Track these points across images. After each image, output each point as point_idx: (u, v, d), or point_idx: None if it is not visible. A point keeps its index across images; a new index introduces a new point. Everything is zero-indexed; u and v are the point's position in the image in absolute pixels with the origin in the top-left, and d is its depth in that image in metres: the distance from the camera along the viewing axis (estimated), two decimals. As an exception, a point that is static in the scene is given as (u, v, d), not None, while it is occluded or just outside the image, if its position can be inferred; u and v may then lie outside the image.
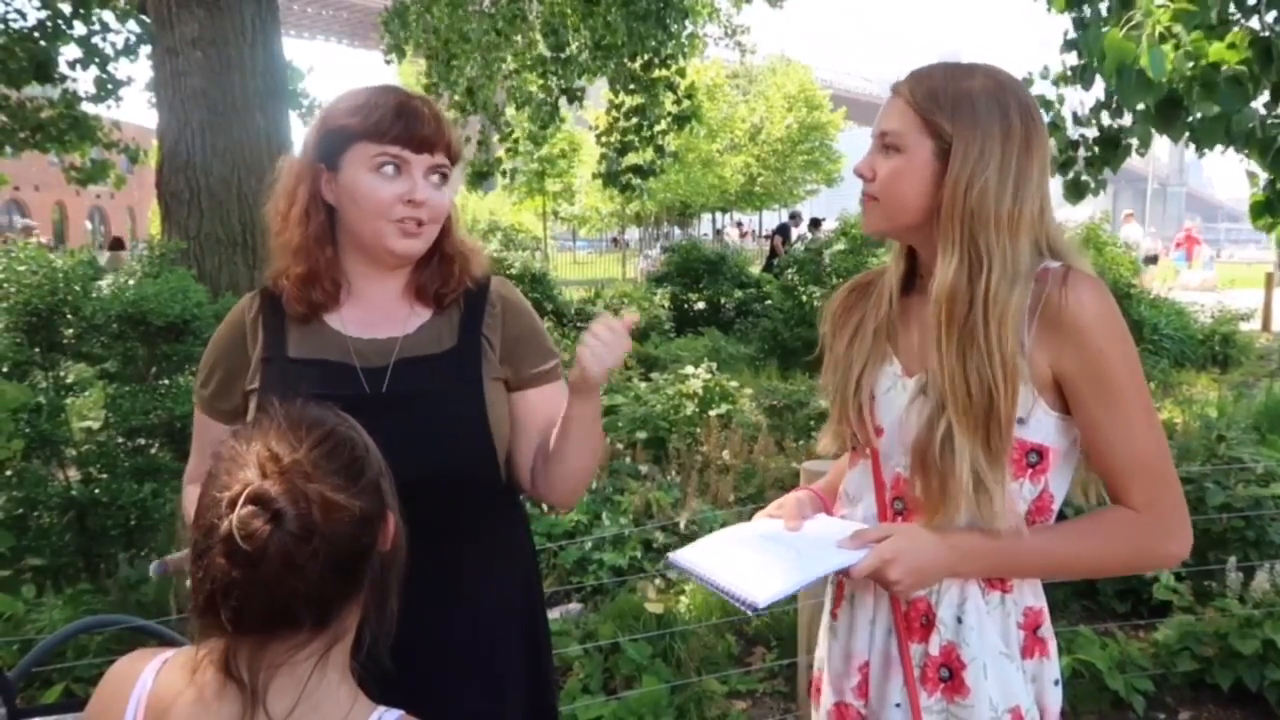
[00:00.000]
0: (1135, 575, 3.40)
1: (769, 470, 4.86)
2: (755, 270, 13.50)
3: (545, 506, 4.02)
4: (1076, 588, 3.64)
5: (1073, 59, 4.19)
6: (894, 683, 1.27)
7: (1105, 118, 4.27)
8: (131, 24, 7.39)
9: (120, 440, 3.54)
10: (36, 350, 3.45)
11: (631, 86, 9.64)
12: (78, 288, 3.43)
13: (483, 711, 1.35)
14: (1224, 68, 3.18)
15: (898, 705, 1.26)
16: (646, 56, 9.47)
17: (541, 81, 9.91)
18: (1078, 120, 4.37)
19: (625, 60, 9.45)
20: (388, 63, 9.84)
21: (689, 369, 6.02)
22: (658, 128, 9.93)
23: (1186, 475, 3.48)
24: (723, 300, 11.27)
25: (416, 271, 1.40)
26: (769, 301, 9.87)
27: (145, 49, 7.04)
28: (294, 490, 0.87)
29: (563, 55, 9.57)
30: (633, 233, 36.28)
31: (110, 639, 2.78)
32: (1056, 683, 1.27)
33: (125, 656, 1.01)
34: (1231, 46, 3.17)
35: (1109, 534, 1.21)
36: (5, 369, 3.38)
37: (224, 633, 0.90)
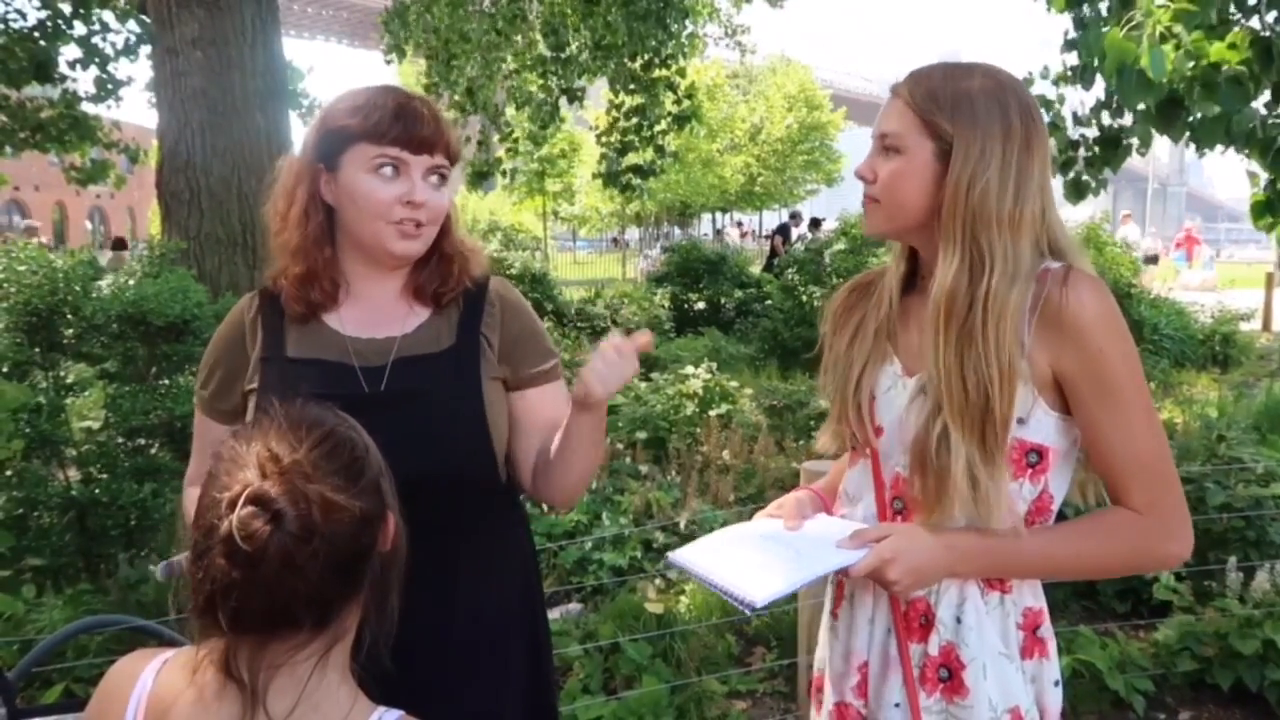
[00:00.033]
0: (1135, 575, 3.40)
1: (769, 470, 4.86)
2: (755, 270, 13.50)
3: (545, 506, 4.02)
4: (1076, 588, 3.64)
5: (1073, 59, 4.20)
6: (893, 682, 1.27)
7: (1105, 118, 4.27)
8: (131, 24, 7.40)
9: (120, 440, 3.54)
10: (36, 350, 3.46)
11: (631, 86, 9.64)
12: (78, 288, 3.43)
13: (483, 711, 1.35)
14: (1224, 68, 3.18)
15: (896, 705, 1.26)
16: (646, 56, 9.47)
17: (541, 81, 9.91)
18: (1078, 120, 4.38)
19: (625, 60, 9.45)
20: (388, 63, 9.84)
21: (689, 369, 6.02)
22: (658, 128, 9.93)
23: (1186, 475, 3.48)
24: (723, 300, 11.27)
25: (415, 271, 1.40)
26: (769, 301, 9.87)
27: (145, 49, 7.05)
28: (294, 491, 0.87)
29: (563, 55, 9.57)
30: (633, 233, 36.28)
31: (110, 639, 2.78)
32: (1056, 684, 1.27)
33: (125, 657, 1.01)
34: (1232, 47, 3.17)
35: (1109, 535, 1.21)
36: (5, 369, 3.38)
37: (224, 633, 0.90)
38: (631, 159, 10.15)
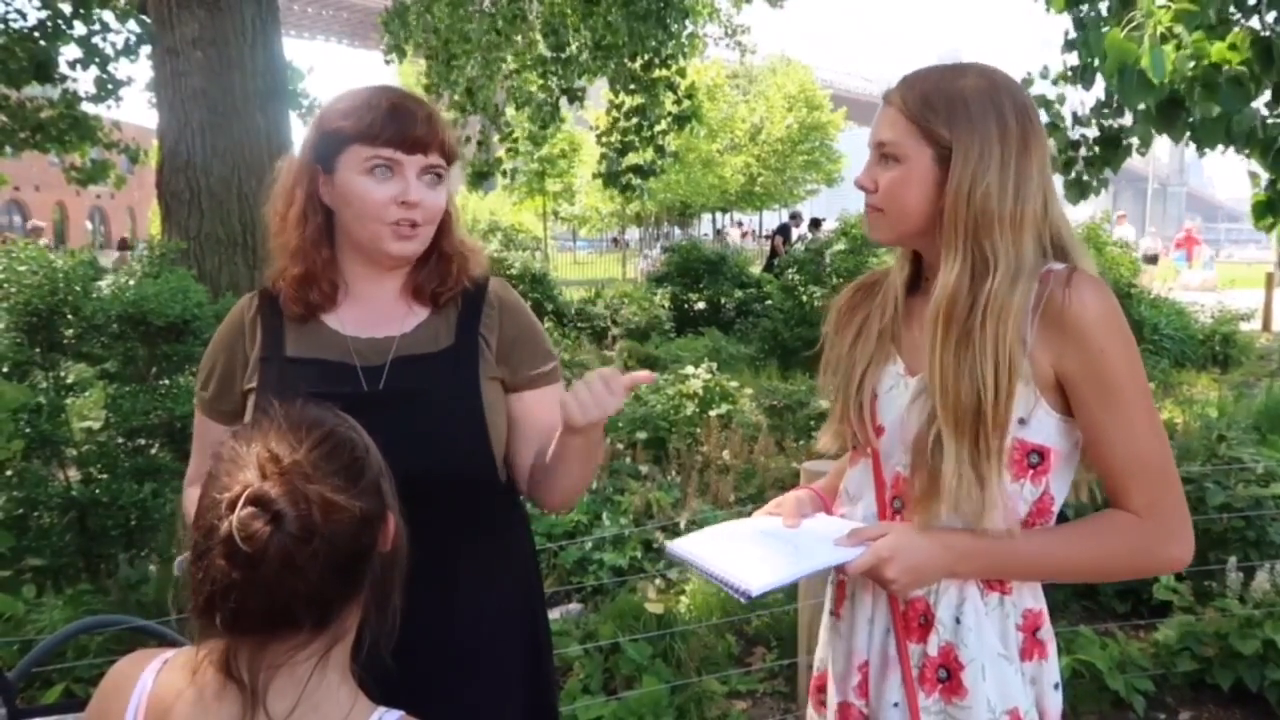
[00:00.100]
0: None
1: (769, 470, 4.86)
2: (755, 270, 13.50)
3: (545, 507, 4.02)
4: (1076, 588, 3.64)
5: (1073, 59, 4.20)
6: (893, 682, 1.27)
7: (1106, 118, 4.27)
8: (131, 24, 7.39)
9: (120, 440, 3.54)
10: (37, 350, 3.45)
11: (632, 86, 9.64)
12: (78, 288, 3.43)
13: (483, 711, 1.35)
14: (1225, 68, 3.18)
15: (895, 705, 1.26)
16: (647, 56, 9.47)
17: (542, 81, 9.91)
18: (1078, 120, 4.38)
19: (625, 60, 9.45)
20: (387, 63, 9.84)
21: (689, 369, 6.02)
22: (658, 128, 9.93)
23: (1186, 475, 3.48)
24: (723, 300, 11.27)
25: (414, 271, 1.40)
26: (769, 301, 9.87)
27: (145, 49, 7.04)
28: (294, 491, 0.87)
29: (563, 55, 9.57)
30: (633, 233, 36.27)
31: (110, 639, 2.78)
32: (1056, 686, 1.27)
33: (126, 657, 1.01)
34: (1233, 47, 3.17)
35: (1109, 537, 1.21)
36: (5, 369, 3.38)
37: (224, 633, 0.90)
38: (631, 159, 10.15)
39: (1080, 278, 1.18)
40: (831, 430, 1.40)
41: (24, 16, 6.99)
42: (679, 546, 1.32)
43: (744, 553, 1.26)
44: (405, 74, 18.70)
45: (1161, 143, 3.89)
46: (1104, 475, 1.22)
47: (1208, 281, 19.30)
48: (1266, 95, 3.43)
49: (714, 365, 6.26)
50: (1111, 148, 4.23)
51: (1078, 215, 10.12)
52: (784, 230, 15.99)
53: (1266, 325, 12.97)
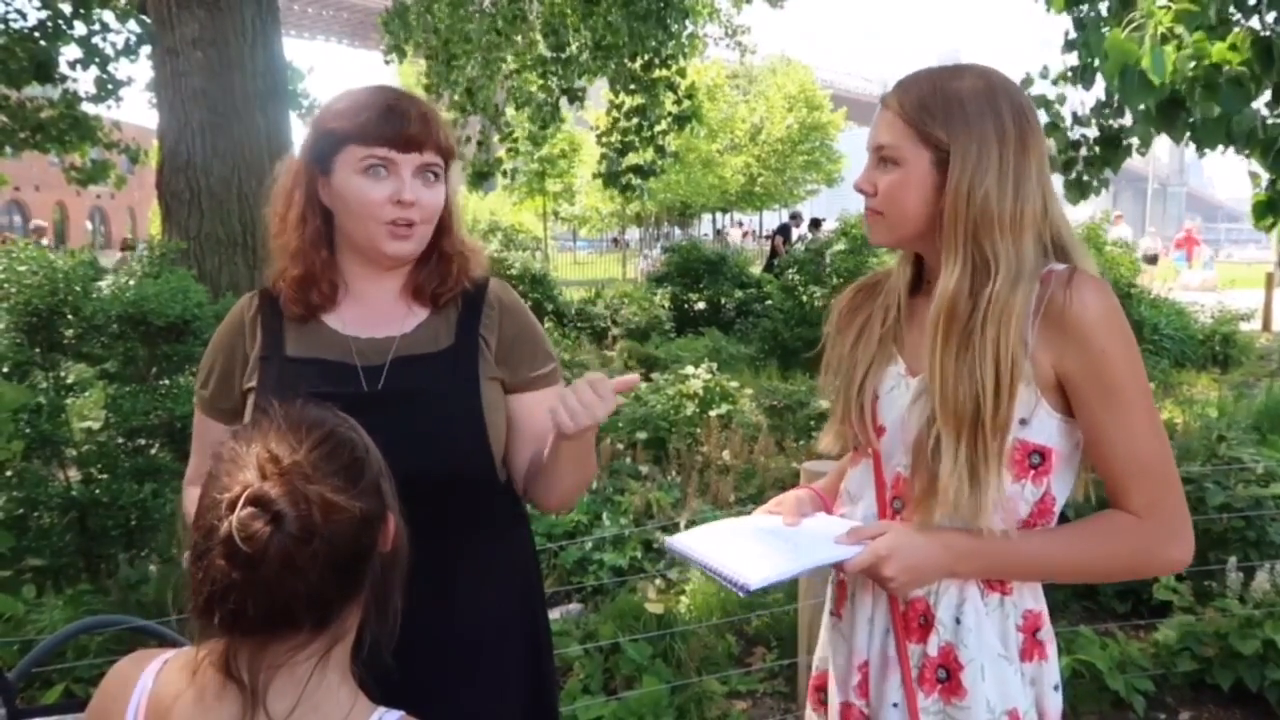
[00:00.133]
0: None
1: (769, 470, 4.86)
2: (755, 270, 13.50)
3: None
4: (1077, 588, 3.64)
5: (1073, 59, 4.20)
6: (893, 682, 1.27)
7: (1106, 117, 4.27)
8: (132, 24, 7.40)
9: (120, 440, 3.54)
10: (37, 350, 3.45)
11: (632, 87, 9.64)
12: (78, 288, 3.43)
13: (483, 711, 1.35)
14: (1225, 68, 3.18)
15: (895, 705, 1.26)
16: (647, 57, 9.47)
17: (542, 82, 9.91)
18: (1078, 120, 4.38)
19: (625, 60, 9.45)
20: (387, 63, 9.84)
21: (689, 369, 6.02)
22: (658, 128, 9.93)
23: (1186, 475, 3.48)
24: (723, 300, 11.27)
25: (415, 271, 1.40)
26: (769, 302, 9.87)
27: (145, 49, 7.04)
28: (294, 492, 0.87)
29: (563, 55, 9.57)
30: (633, 233, 36.26)
31: (110, 639, 2.78)
32: (1056, 688, 1.27)
33: (126, 657, 1.01)
34: (1233, 47, 3.17)
35: (1110, 538, 1.21)
36: (6, 369, 3.38)
37: (224, 633, 0.90)
38: (632, 159, 10.15)
39: (1081, 278, 1.18)
40: (833, 431, 1.40)
41: (24, 16, 6.99)
42: (678, 541, 1.32)
43: (743, 548, 1.27)
44: (405, 74, 18.69)
45: (1161, 143, 3.89)
46: (1104, 475, 1.22)
47: (1208, 281, 19.31)
48: (1266, 95, 3.43)
49: (714, 365, 6.26)
50: (1111, 148, 4.23)
51: (1077, 215, 10.11)
52: (784, 230, 15.99)
53: (1266, 325, 12.97)
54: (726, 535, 1.34)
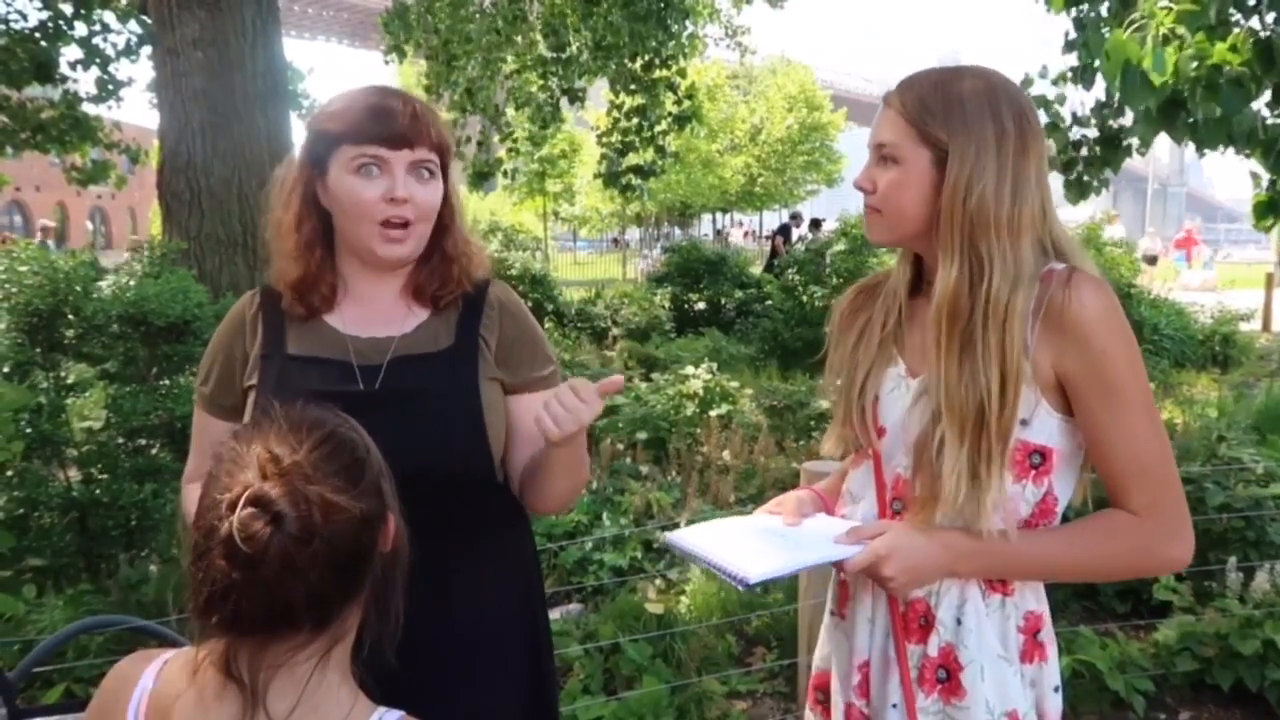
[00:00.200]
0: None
1: (769, 471, 4.86)
2: (755, 271, 13.50)
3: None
4: (1076, 588, 3.64)
5: (1073, 59, 4.20)
6: (893, 682, 1.27)
7: (1105, 118, 4.27)
8: (132, 24, 7.41)
9: (121, 441, 3.54)
10: (37, 350, 3.46)
11: (632, 87, 9.64)
12: (79, 288, 3.43)
13: (483, 711, 1.35)
14: (1225, 69, 3.19)
15: (895, 706, 1.26)
16: (647, 57, 9.47)
17: (542, 82, 9.91)
18: (1077, 120, 4.38)
19: (626, 60, 9.45)
20: (387, 63, 9.85)
21: (689, 369, 6.02)
22: (658, 128, 9.93)
23: (1186, 475, 3.49)
24: (723, 300, 11.28)
25: (415, 272, 1.40)
26: (769, 302, 9.87)
27: (146, 50, 7.05)
28: (294, 492, 0.87)
29: (563, 55, 9.57)
30: (633, 233, 36.26)
31: (111, 639, 2.78)
32: (1057, 689, 1.27)
33: (126, 658, 1.01)
34: (1233, 48, 3.17)
35: (1110, 537, 1.21)
36: (6, 369, 3.38)
37: (224, 634, 0.90)
38: (632, 159, 10.16)
39: (1080, 278, 1.18)
40: (835, 434, 1.40)
41: (25, 17, 7.00)
42: (678, 537, 1.32)
43: (743, 544, 1.27)
44: (405, 74, 18.70)
45: (1161, 143, 3.90)
46: (1104, 475, 1.22)
47: (1207, 282, 19.31)
48: (1266, 96, 3.43)
49: (714, 365, 6.26)
50: (1111, 148, 4.24)
51: (1077, 215, 10.11)
52: (784, 230, 15.99)
53: (1266, 325, 12.97)
54: (727, 532, 1.34)
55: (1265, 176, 3.60)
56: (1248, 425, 5.00)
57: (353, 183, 1.30)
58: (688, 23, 10.07)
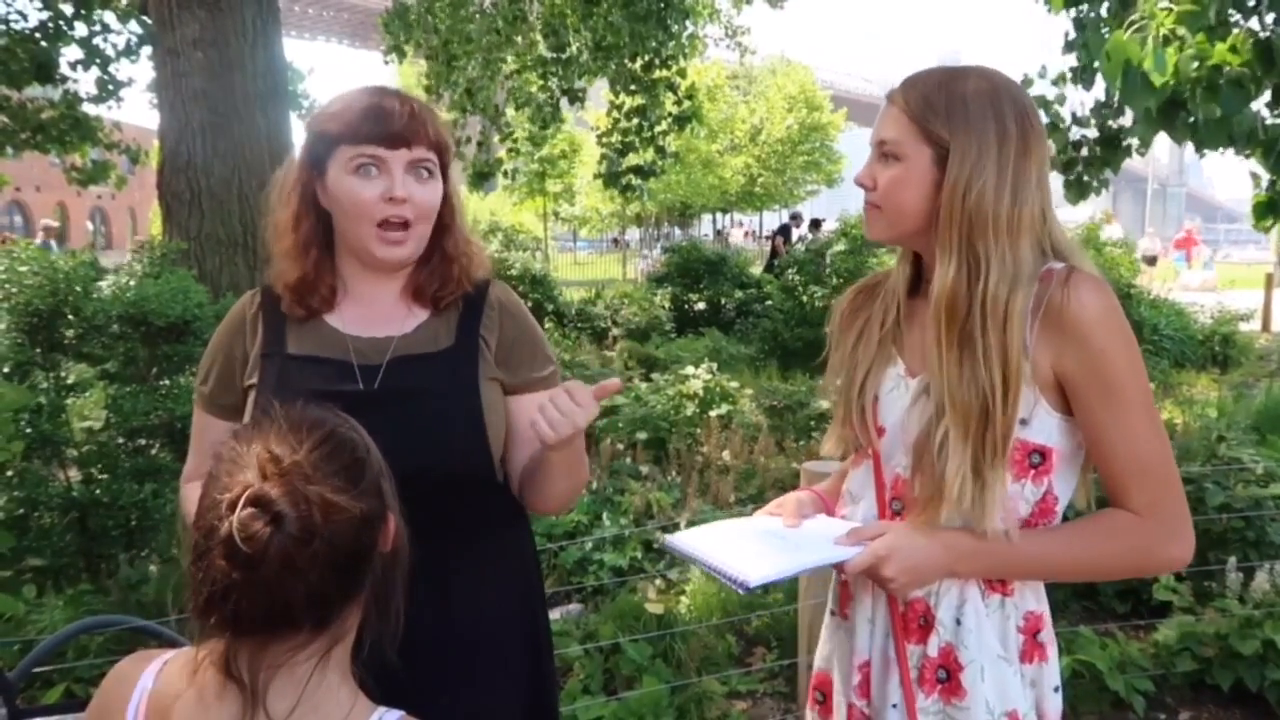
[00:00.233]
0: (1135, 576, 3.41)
1: (769, 471, 4.86)
2: (756, 271, 13.50)
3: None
4: (1076, 588, 3.64)
5: (1074, 60, 4.21)
6: (893, 682, 1.27)
7: (1105, 118, 4.28)
8: (133, 25, 7.41)
9: (121, 441, 3.54)
10: (37, 351, 3.46)
11: (632, 87, 9.64)
12: (79, 288, 3.43)
13: (483, 711, 1.36)
14: (1225, 69, 3.19)
15: (895, 706, 1.26)
16: (647, 57, 9.47)
17: (542, 82, 9.91)
18: (1077, 120, 4.38)
19: (626, 61, 9.45)
20: (386, 63, 9.85)
21: (689, 369, 6.02)
22: (658, 128, 9.94)
23: (1186, 475, 3.49)
24: (723, 301, 11.28)
25: (415, 273, 1.40)
26: (769, 302, 9.88)
27: (146, 50, 7.06)
28: (294, 492, 0.87)
29: (563, 56, 9.58)
30: (633, 233, 36.25)
31: (111, 639, 2.78)
32: (1057, 689, 1.27)
33: (126, 658, 1.01)
34: (1233, 49, 3.18)
35: (1110, 537, 1.20)
36: (6, 369, 3.38)
37: (224, 634, 0.90)
38: (632, 159, 10.16)
39: (1079, 277, 1.18)
40: (835, 434, 1.40)
41: (25, 17, 7.01)
42: (677, 540, 1.32)
43: (743, 547, 1.27)
44: (405, 74, 18.70)
45: (1161, 143, 3.90)
46: (1104, 475, 1.22)
47: (1207, 282, 19.31)
48: (1266, 96, 3.43)
49: (714, 366, 6.26)
50: (1111, 148, 4.24)
51: (1076, 216, 10.13)
52: (785, 231, 16.00)
53: (1266, 326, 12.97)
54: (726, 534, 1.34)
55: (1265, 176, 3.60)
56: (1248, 425, 5.00)
57: (351, 183, 1.30)
58: (688, 23, 10.07)
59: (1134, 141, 4.13)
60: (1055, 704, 1.27)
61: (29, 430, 3.26)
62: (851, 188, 1.38)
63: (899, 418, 1.28)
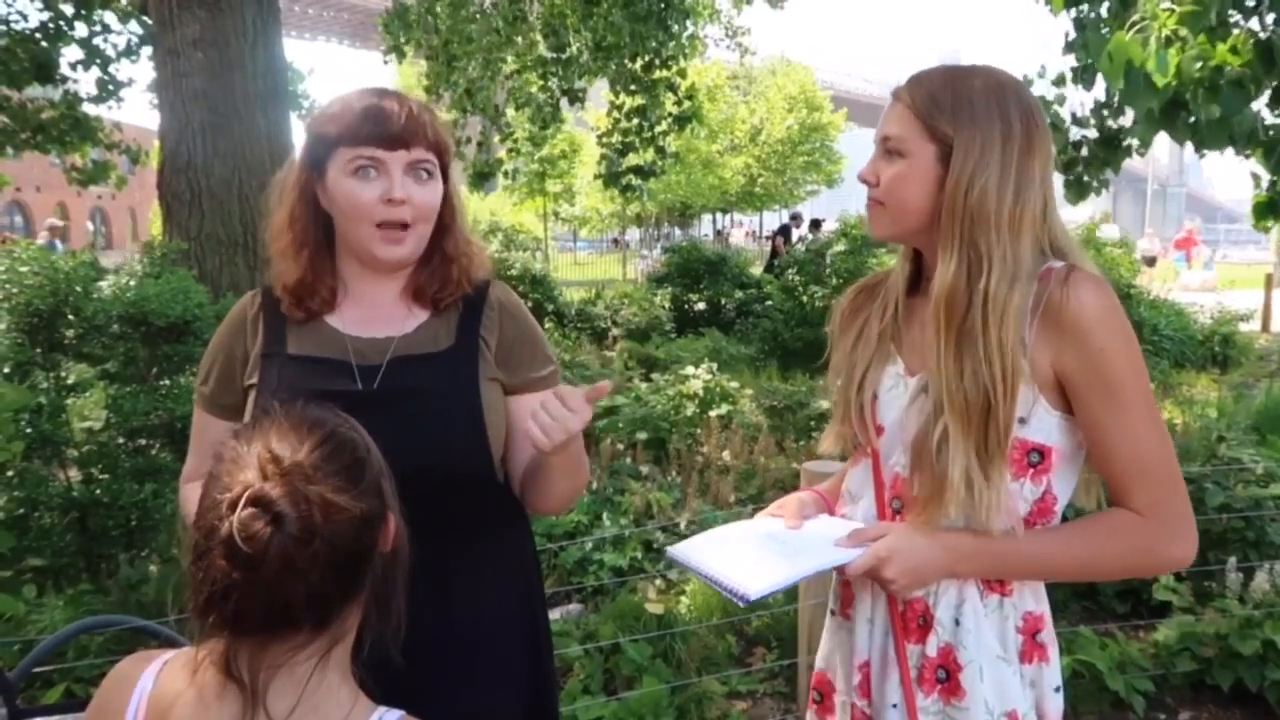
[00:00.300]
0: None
1: (769, 471, 4.86)
2: (756, 271, 13.51)
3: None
4: (1076, 588, 3.64)
5: (1074, 60, 4.21)
6: (892, 682, 1.27)
7: (1105, 118, 4.28)
8: (133, 25, 7.42)
9: (121, 441, 3.54)
10: (38, 351, 3.46)
11: (632, 87, 9.65)
12: (79, 289, 3.43)
13: (483, 711, 1.35)
14: (1226, 70, 3.19)
15: (895, 705, 1.26)
16: (647, 57, 9.47)
17: (542, 82, 9.92)
18: (1077, 121, 4.38)
19: (626, 61, 9.45)
20: (386, 63, 9.85)
21: (689, 369, 6.02)
22: (658, 128, 9.94)
23: (1186, 475, 3.47)
24: (723, 301, 11.28)
25: (415, 273, 1.40)
26: (769, 302, 9.88)
27: (146, 50, 7.07)
28: (295, 492, 0.87)
29: (563, 56, 9.58)
30: (633, 233, 36.25)
31: (111, 639, 2.78)
32: (1058, 690, 1.27)
33: (126, 658, 1.01)
34: (1234, 50, 3.18)
35: (1111, 536, 1.20)
36: (7, 369, 3.38)
37: (224, 634, 0.90)
38: (632, 160, 10.16)
39: (1079, 276, 1.18)
40: (834, 432, 1.40)
41: (25, 18, 7.02)
42: (679, 551, 1.32)
43: (743, 556, 1.27)
44: (405, 75, 18.72)
45: (1161, 143, 3.91)
46: (1106, 475, 1.22)
47: (1207, 282, 19.31)
48: (1266, 96, 3.43)
49: (714, 366, 6.26)
50: (1111, 148, 4.24)
51: (1076, 216, 10.13)
52: (785, 231, 16.00)
53: (1266, 326, 12.97)
54: (727, 542, 1.34)
55: (1265, 176, 3.60)
56: (1248, 425, 5.00)
57: (350, 185, 1.30)
58: (688, 23, 10.07)
59: (1134, 141, 4.13)
60: (1056, 704, 1.27)
61: (29, 430, 3.26)
62: (851, 188, 1.39)
63: (898, 416, 1.28)
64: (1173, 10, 3.15)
